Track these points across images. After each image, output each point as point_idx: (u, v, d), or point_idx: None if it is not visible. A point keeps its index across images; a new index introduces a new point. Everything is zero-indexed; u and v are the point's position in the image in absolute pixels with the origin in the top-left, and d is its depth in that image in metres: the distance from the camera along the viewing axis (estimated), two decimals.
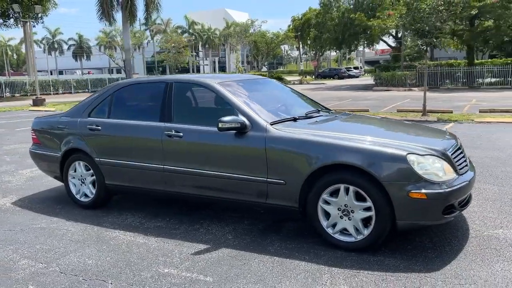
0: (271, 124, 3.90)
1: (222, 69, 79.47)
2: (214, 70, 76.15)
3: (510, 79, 29.59)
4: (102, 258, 3.68)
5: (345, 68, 58.84)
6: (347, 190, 3.50)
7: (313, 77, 56.08)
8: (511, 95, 22.19)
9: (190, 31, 71.49)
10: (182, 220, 4.51)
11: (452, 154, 3.60)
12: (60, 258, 3.71)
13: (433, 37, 12.79)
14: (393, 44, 35.98)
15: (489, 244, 3.63)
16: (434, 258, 3.41)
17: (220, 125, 3.83)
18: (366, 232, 3.47)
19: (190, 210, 4.81)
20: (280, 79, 45.98)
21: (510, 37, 27.74)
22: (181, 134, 4.20)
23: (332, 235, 3.62)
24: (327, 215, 3.64)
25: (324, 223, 3.64)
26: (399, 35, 32.64)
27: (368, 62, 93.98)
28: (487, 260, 3.35)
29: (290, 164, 3.68)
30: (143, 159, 4.47)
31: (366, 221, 3.49)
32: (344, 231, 3.59)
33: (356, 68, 60.35)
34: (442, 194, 3.27)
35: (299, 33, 47.15)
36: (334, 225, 3.62)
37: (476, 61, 30.26)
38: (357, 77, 56.29)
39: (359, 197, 3.48)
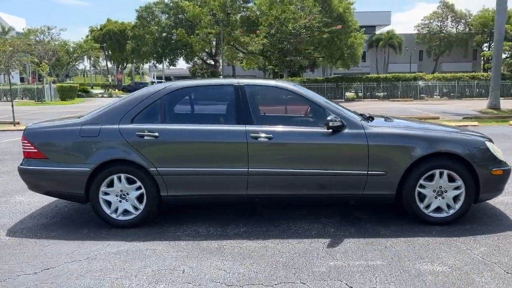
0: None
1: None
2: None
3: None
4: (247, 266, 3.51)
5: (151, 82, 58.76)
6: (441, 174, 4.24)
7: (116, 90, 54.20)
8: None
9: None
10: (259, 224, 4.48)
11: None
12: (201, 274, 3.38)
13: (297, 56, 14.58)
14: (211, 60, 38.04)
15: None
16: (499, 220, 4.45)
17: (330, 124, 4.11)
18: (457, 206, 4.28)
19: (243, 213, 4.76)
20: (86, 91, 43.18)
21: (307, 59, 32.81)
22: (271, 135, 4.24)
23: (428, 213, 4.30)
24: (421, 197, 4.30)
25: (420, 205, 4.29)
26: (213, 53, 34.90)
27: (160, 77, 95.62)
28: None
29: (393, 156, 4.22)
30: (222, 164, 4.28)
31: (455, 198, 4.30)
32: (437, 209, 4.31)
33: (160, 82, 60.86)
34: (509, 170, 4.33)
35: (105, 44, 45.05)
36: (428, 206, 4.31)
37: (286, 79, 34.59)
38: None
39: (449, 179, 4.26)
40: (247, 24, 29.99)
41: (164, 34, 32.71)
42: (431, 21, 60.02)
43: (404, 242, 3.92)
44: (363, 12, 60.46)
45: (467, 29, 60.02)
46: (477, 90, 34.31)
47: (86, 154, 4.34)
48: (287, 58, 13.86)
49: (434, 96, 35.83)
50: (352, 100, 34.11)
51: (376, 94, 35.36)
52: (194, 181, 4.33)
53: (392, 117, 5.10)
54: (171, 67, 38.69)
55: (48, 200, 5.45)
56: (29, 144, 4.47)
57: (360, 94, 35.38)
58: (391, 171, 4.22)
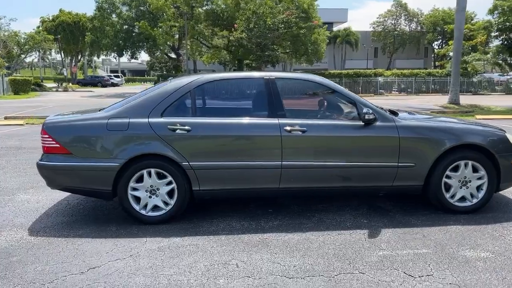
0: None
1: None
2: None
3: None
4: (299, 258, 3.53)
5: (107, 75, 57.03)
6: (465, 165, 4.42)
7: (70, 84, 52.17)
8: None
9: None
10: (290, 217, 4.50)
11: None
12: (257, 267, 3.37)
13: (275, 51, 14.62)
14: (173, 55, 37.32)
15: None
16: None
17: (366, 117, 4.19)
18: (480, 195, 4.49)
19: (269, 207, 4.76)
20: (39, 85, 41.39)
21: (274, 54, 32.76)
22: (305, 129, 4.26)
23: (453, 203, 4.48)
24: (447, 187, 4.47)
25: (447, 194, 4.46)
26: (176, 47, 34.35)
27: (113, 71, 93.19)
28: None
29: (422, 148, 4.36)
30: (255, 157, 4.26)
31: (478, 188, 4.50)
32: (461, 199, 4.49)
33: (117, 76, 59.19)
34: None
35: (59, 36, 43.13)
36: (453, 195, 4.48)
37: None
38: (119, 85, 55.47)
39: (473, 169, 4.45)
40: (212, 17, 29.70)
41: (125, 27, 31.74)
42: (386, 19, 61.94)
43: (438, 231, 4.07)
44: (321, 9, 61.41)
45: (419, 28, 62.41)
46: (433, 86, 35.79)
47: (114, 149, 4.19)
48: (266, 53, 13.93)
49: (393, 92, 37.03)
50: None
51: None
52: (227, 175, 4.28)
53: (414, 111, 5.26)
54: (133, 60, 37.56)
55: (57, 197, 5.22)
56: (50, 139, 4.25)
57: None
58: (420, 162, 4.36)
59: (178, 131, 4.19)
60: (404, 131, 4.34)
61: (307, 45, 30.89)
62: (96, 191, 4.32)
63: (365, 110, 4.23)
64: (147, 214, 4.28)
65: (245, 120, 4.33)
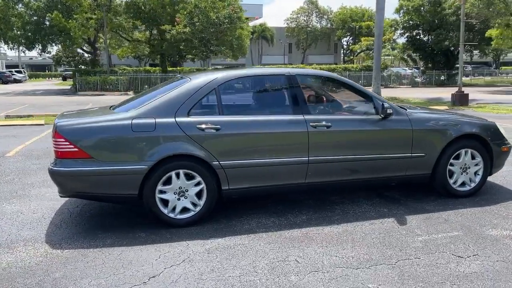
0: None
1: None
2: None
3: None
4: (351, 249, 3.65)
5: (8, 71, 52.08)
6: (465, 153, 4.86)
7: None
8: None
9: None
10: (314, 211, 4.60)
11: None
12: (317, 261, 3.44)
13: (220, 47, 14.46)
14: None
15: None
16: (498, 190, 5.26)
17: (388, 111, 4.43)
18: (477, 180, 4.96)
19: (286, 202, 4.83)
20: None
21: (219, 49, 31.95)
22: (330, 124, 4.39)
23: (456, 188, 4.90)
24: (450, 174, 4.87)
25: (450, 180, 4.86)
26: (92, 40, 32.51)
27: (10, 66, 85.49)
28: None
29: (431, 138, 4.71)
30: (283, 154, 4.30)
31: (475, 173, 4.97)
32: (462, 184, 4.93)
33: (19, 72, 54.32)
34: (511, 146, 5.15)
35: None
36: (456, 181, 4.90)
37: (168, 68, 33.60)
38: (22, 81, 51.11)
39: (471, 157, 4.91)
40: (133, 10, 28.51)
41: (35, 18, 29.20)
42: (299, 15, 64.13)
43: (454, 214, 4.44)
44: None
45: (329, 25, 65.50)
46: None
47: (140, 151, 3.97)
48: (211, 48, 13.71)
49: None
50: None
51: None
52: (256, 173, 4.26)
53: (411, 106, 5.63)
54: (43, 53, 34.53)
55: (51, 206, 4.83)
56: (66, 143, 3.90)
57: None
58: (429, 152, 4.70)
59: (207, 130, 4.08)
60: (416, 123, 4.66)
61: (231, 41, 30.92)
62: (120, 196, 4.07)
63: (385, 104, 4.46)
64: (176, 217, 4.13)
65: (273, 117, 4.34)
